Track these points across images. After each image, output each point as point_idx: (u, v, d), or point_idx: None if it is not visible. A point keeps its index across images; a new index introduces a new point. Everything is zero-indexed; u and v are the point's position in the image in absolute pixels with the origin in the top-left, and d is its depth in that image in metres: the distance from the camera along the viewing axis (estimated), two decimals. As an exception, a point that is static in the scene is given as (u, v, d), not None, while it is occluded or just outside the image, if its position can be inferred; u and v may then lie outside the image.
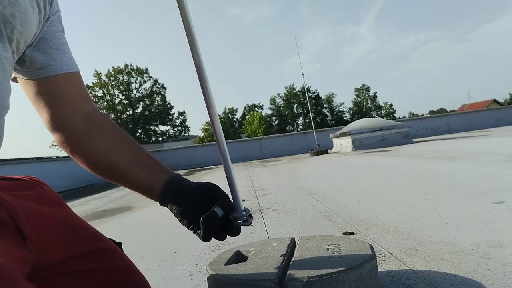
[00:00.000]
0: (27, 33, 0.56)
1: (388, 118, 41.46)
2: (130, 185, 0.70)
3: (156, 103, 37.93)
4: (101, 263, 0.60)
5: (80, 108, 0.69)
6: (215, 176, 6.23)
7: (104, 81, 35.38)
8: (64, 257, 0.57)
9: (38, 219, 0.55)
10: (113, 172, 0.68)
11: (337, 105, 49.89)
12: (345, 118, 48.28)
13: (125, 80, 36.10)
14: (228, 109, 46.67)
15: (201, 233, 0.65)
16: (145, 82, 37.31)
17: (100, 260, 0.60)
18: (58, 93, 0.66)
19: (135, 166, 0.68)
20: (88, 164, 0.69)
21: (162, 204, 0.69)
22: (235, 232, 0.69)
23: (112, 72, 35.58)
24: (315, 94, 47.65)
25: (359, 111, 48.81)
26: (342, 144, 8.96)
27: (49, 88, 0.65)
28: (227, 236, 0.68)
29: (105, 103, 35.47)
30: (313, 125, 11.10)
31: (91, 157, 0.68)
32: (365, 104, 49.86)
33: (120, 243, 0.68)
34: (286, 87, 48.37)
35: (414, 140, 9.16)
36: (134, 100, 36.81)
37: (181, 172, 9.21)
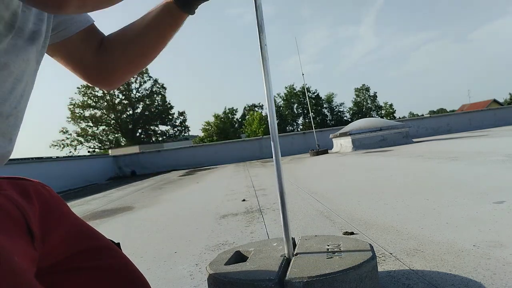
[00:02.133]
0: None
1: (388, 118, 41.46)
2: (159, 29, 0.73)
3: (156, 103, 37.90)
4: (100, 260, 0.61)
5: (96, 47, 0.75)
6: (215, 176, 6.23)
7: (104, 81, 35.34)
8: (64, 256, 0.57)
9: (44, 219, 0.56)
10: (146, 40, 0.73)
11: (337, 105, 49.89)
12: (345, 118, 48.27)
13: (125, 80, 36.08)
14: (228, 109, 46.63)
15: None
16: (145, 82, 37.28)
17: (98, 257, 0.61)
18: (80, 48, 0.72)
19: (149, 18, 0.72)
20: (132, 59, 0.75)
21: (185, 9, 0.70)
22: None
23: (112, 72, 35.58)
24: (315, 94, 47.65)
25: (359, 111, 48.80)
26: (342, 144, 8.96)
27: (78, 44, 0.71)
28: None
29: (105, 103, 35.46)
30: (313, 125, 11.08)
31: (127, 53, 0.74)
32: (365, 104, 49.85)
33: (119, 243, 0.68)
34: (286, 87, 48.38)
35: (414, 140, 9.16)
36: (134, 100, 36.77)
37: (181, 172, 9.21)
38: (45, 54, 0.70)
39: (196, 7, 0.70)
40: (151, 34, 0.73)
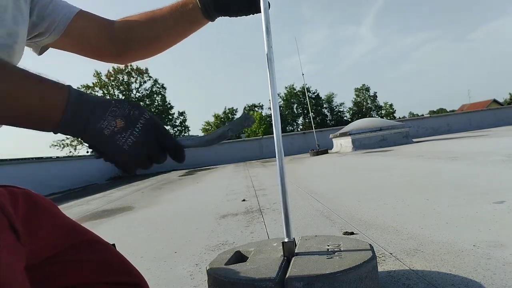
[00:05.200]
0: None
1: (388, 118, 41.44)
2: (181, 31, 0.78)
3: (156, 103, 37.89)
4: (93, 254, 0.63)
5: (108, 28, 0.76)
6: (215, 176, 6.23)
7: (104, 81, 35.33)
8: (58, 250, 0.59)
9: (32, 218, 0.57)
10: (167, 36, 0.77)
11: (337, 105, 49.86)
12: (345, 118, 48.24)
13: (125, 80, 36.05)
14: (228, 109, 46.55)
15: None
16: (145, 82, 37.27)
17: (91, 251, 0.63)
18: (84, 32, 0.73)
19: (172, 19, 0.75)
20: (147, 49, 0.79)
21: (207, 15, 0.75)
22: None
23: (112, 72, 35.54)
24: (315, 94, 47.62)
25: (359, 111, 48.77)
26: (342, 144, 8.96)
27: (77, 33, 0.72)
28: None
29: (105, 103, 35.41)
30: (313, 125, 11.08)
31: (143, 43, 0.77)
32: (365, 104, 49.83)
33: (114, 244, 0.69)
34: (286, 87, 48.33)
35: (414, 140, 9.16)
36: (134, 100, 36.77)
37: (181, 172, 9.20)
38: (56, 48, 0.73)
39: (217, 17, 0.77)
40: (172, 34, 0.77)
